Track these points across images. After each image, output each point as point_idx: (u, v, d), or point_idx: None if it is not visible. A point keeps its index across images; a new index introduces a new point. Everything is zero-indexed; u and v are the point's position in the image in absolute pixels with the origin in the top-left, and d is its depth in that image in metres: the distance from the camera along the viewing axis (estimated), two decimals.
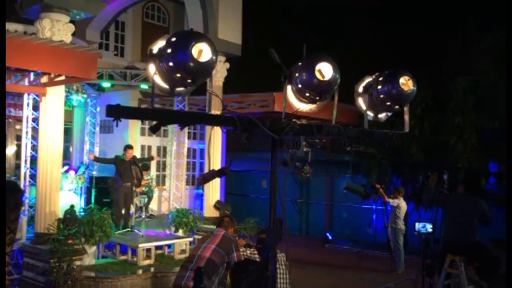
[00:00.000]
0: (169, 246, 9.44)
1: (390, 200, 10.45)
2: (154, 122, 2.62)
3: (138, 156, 12.00)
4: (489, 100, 11.81)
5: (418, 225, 6.62)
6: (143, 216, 11.77)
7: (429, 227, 6.54)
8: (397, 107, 3.32)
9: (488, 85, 12.07)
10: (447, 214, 6.40)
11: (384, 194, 10.56)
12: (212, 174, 2.92)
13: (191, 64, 2.45)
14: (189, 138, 13.92)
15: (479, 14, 15.80)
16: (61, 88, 8.60)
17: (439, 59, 19.80)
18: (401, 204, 10.41)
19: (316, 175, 15.32)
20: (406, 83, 3.24)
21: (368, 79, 3.45)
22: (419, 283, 7.03)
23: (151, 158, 11.83)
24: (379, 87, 3.27)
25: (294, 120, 3.04)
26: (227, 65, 11.59)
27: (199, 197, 13.78)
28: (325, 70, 2.89)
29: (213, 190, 11.46)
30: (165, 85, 2.66)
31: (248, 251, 5.72)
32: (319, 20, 19.70)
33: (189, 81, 2.55)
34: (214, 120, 2.84)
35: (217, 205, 11.18)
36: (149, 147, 13.64)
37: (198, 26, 10.94)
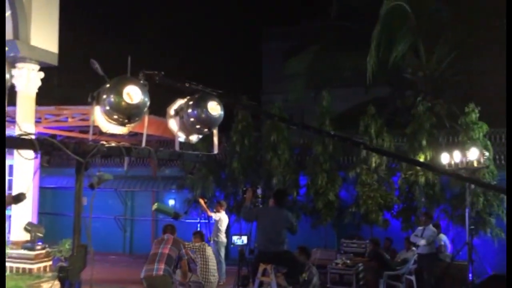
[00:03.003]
0: None
1: (213, 214, 10.82)
2: None
3: None
4: (296, 118, 13.20)
5: (234, 238, 6.98)
6: None
7: (244, 239, 6.95)
8: (206, 130, 3.50)
9: (297, 105, 13.49)
10: (259, 226, 6.87)
11: (207, 209, 10.90)
12: (7, 201, 2.67)
13: None
14: None
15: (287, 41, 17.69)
16: None
17: (258, 80, 21.44)
18: (223, 218, 10.84)
19: (141, 190, 15.05)
20: (214, 107, 3.44)
21: (180, 102, 3.57)
22: None
23: None
24: (189, 110, 3.40)
25: (102, 142, 2.98)
26: (41, 74, 10.70)
27: (7, 219, 12.32)
28: (133, 93, 2.90)
29: (24, 211, 10.38)
30: None
31: (191, 244, 8.05)
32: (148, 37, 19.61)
33: None
34: (7, 143, 2.61)
35: (28, 228, 10.17)
36: None
37: (7, 31, 9.89)
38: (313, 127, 7.06)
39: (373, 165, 11.74)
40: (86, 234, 2.80)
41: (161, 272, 6.47)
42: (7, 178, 13.12)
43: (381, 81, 15.13)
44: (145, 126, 3.18)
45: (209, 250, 8.03)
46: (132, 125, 3.13)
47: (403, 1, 12.98)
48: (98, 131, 3.06)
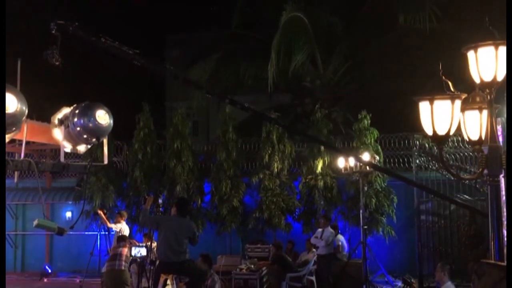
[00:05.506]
0: None
1: (113, 226, 10.40)
2: None
3: None
4: (201, 125, 13.18)
5: (134, 250, 6.75)
6: None
7: (142, 251, 6.74)
8: (94, 139, 3.34)
9: (201, 113, 13.44)
10: (160, 235, 6.73)
11: (106, 220, 10.45)
12: None
13: None
14: None
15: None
16: None
17: (162, 87, 21.09)
18: (124, 228, 10.45)
19: (34, 203, 14.02)
20: (102, 116, 3.29)
21: (65, 110, 3.37)
22: None
23: None
24: (75, 119, 3.23)
25: None
26: None
27: None
28: (9, 102, 2.69)
29: None
30: None
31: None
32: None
33: None
34: None
35: None
36: None
37: None
38: (233, 99, 6.94)
39: (276, 170, 12.05)
40: None
41: (122, 267, 7.87)
42: None
43: (282, 89, 15.62)
44: (24, 135, 2.96)
45: None
46: (9, 135, 2.90)
47: (301, 13, 13.52)
48: None
